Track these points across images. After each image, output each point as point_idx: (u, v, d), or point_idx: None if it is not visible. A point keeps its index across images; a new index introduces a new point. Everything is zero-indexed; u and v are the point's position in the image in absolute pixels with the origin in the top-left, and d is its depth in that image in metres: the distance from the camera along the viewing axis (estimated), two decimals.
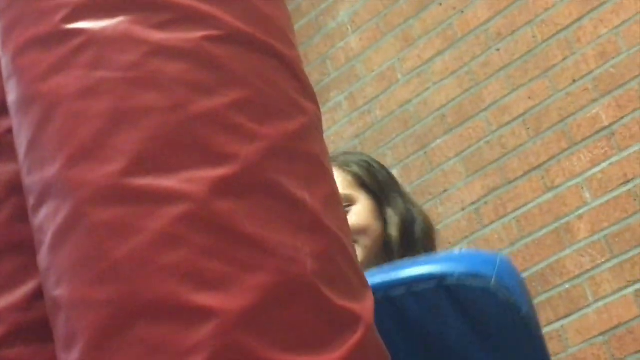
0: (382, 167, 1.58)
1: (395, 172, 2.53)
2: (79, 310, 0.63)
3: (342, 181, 1.42)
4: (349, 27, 3.45)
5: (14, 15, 0.67)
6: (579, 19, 2.99)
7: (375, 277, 0.92)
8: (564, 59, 3.02)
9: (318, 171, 0.68)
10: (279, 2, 0.69)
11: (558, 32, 3.03)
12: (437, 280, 0.90)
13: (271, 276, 0.62)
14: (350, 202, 1.43)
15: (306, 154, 0.67)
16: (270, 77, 0.65)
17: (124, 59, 0.62)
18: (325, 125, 0.86)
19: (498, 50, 3.16)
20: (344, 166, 1.49)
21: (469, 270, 0.90)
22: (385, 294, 0.90)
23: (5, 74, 0.68)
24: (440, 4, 3.28)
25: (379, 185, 1.48)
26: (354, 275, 0.67)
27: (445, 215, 3.20)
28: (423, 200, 3.17)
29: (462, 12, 3.23)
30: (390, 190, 1.49)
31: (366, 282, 0.69)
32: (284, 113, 0.65)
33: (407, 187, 2.78)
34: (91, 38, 0.63)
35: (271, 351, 0.60)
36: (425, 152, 3.28)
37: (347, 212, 1.37)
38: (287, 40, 0.68)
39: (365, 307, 0.65)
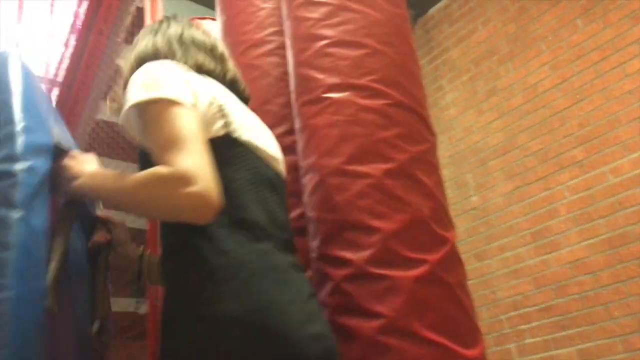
0: None
1: None
2: (319, 223, 1.38)
3: None
4: None
5: (301, 88, 1.45)
6: None
7: None
8: None
9: (434, 169, 1.36)
10: (420, 82, 1.39)
11: None
12: None
13: (408, 215, 1.30)
14: None
15: (430, 163, 1.35)
16: (413, 123, 1.35)
17: (347, 111, 1.36)
18: None
19: None
20: None
21: None
22: None
23: (294, 114, 1.48)
24: None
25: None
26: (447, 217, 1.34)
27: None
28: None
29: None
30: None
31: (452, 223, 1.35)
32: (419, 140, 1.34)
33: None
34: (333, 102, 1.38)
35: (408, 251, 1.27)
36: None
37: None
38: (424, 105, 1.37)
39: (452, 234, 1.31)
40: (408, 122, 1.36)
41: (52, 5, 5.12)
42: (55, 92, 4.22)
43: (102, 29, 3.17)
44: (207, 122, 0.98)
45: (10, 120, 0.86)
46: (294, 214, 1.53)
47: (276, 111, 1.65)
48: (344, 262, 1.28)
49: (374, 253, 1.27)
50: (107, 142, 3.52)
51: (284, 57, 1.71)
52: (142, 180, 0.90)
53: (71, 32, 4.39)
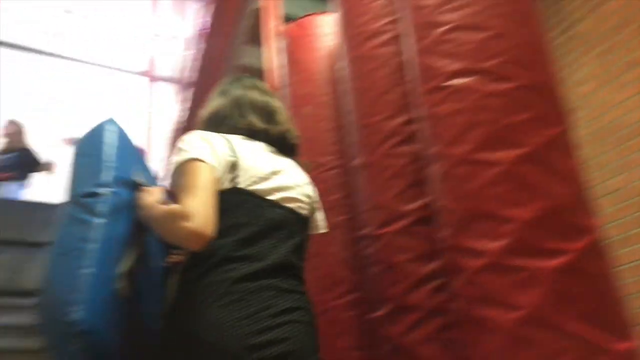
0: None
1: None
2: (448, 213, 1.35)
3: None
4: None
5: (422, 76, 1.43)
6: None
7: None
8: None
9: (570, 152, 1.28)
10: (550, 60, 1.30)
11: None
12: None
13: (544, 203, 1.24)
14: None
15: (565, 145, 1.27)
16: (544, 105, 1.27)
17: (472, 97, 1.32)
18: None
19: None
20: None
21: None
22: None
23: (416, 104, 1.46)
24: None
25: None
26: (587, 203, 1.25)
27: None
28: None
29: None
30: None
31: (594, 208, 1.26)
32: (552, 122, 1.27)
33: None
34: (456, 88, 1.35)
35: (546, 241, 1.22)
36: None
37: None
38: (556, 84, 1.29)
39: (594, 220, 1.23)
40: (539, 104, 1.29)
41: (182, 13, 5.46)
42: (189, 93, 4.51)
43: (226, 31, 3.33)
44: (220, 178, 1.28)
45: (104, 163, 1.30)
46: (417, 203, 1.52)
47: (395, 100, 1.63)
48: (477, 253, 1.24)
49: (509, 243, 1.23)
50: None
51: (401, 45, 1.70)
52: (164, 213, 1.22)
53: (198, 36, 4.66)
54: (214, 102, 1.51)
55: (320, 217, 1.53)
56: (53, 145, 5.48)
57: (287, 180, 1.40)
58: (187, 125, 4.40)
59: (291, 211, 1.38)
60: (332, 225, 1.87)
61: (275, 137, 1.45)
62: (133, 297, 1.22)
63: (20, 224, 3.39)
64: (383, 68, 1.71)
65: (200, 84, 4.07)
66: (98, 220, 1.18)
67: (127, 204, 1.26)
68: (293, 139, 1.50)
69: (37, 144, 5.13)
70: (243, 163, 1.33)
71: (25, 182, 4.83)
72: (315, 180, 1.95)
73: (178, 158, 1.29)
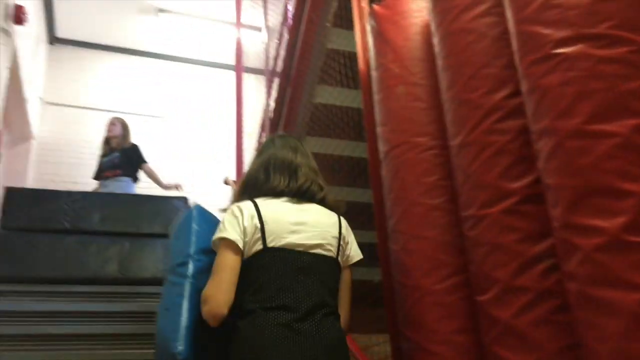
0: None
1: None
2: (560, 190, 1.28)
3: None
4: None
5: (526, 47, 1.36)
6: None
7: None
8: None
9: None
10: None
11: None
12: None
13: None
14: None
15: None
16: None
17: (582, 65, 1.24)
18: None
19: None
20: None
21: None
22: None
23: (520, 76, 1.39)
24: None
25: None
26: None
27: None
28: None
29: None
30: None
31: None
32: None
33: None
34: (565, 57, 1.27)
35: None
36: None
37: None
38: None
39: None
40: None
41: (265, 5, 5.53)
42: (275, 82, 4.58)
43: (312, 17, 3.33)
44: (251, 245, 1.53)
45: (190, 241, 1.70)
46: (523, 181, 1.45)
47: (496, 74, 1.56)
48: (594, 231, 1.17)
49: (630, 219, 1.14)
50: (326, 123, 3.72)
51: (499, 15, 1.61)
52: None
53: (284, 25, 4.70)
54: (250, 166, 1.77)
55: (352, 248, 1.70)
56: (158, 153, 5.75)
57: (311, 229, 1.58)
58: (274, 117, 4.45)
59: (319, 256, 1.56)
60: (430, 208, 1.84)
61: (296, 191, 1.65)
62: (215, 338, 1.55)
63: (130, 217, 3.60)
64: (481, 41, 1.64)
65: (287, 73, 4.11)
66: (187, 282, 1.60)
67: (207, 267, 1.61)
68: (314, 190, 1.68)
69: (142, 143, 5.41)
70: (270, 225, 1.54)
71: (134, 177, 5.11)
72: (412, 161, 1.93)
73: (215, 234, 1.57)
